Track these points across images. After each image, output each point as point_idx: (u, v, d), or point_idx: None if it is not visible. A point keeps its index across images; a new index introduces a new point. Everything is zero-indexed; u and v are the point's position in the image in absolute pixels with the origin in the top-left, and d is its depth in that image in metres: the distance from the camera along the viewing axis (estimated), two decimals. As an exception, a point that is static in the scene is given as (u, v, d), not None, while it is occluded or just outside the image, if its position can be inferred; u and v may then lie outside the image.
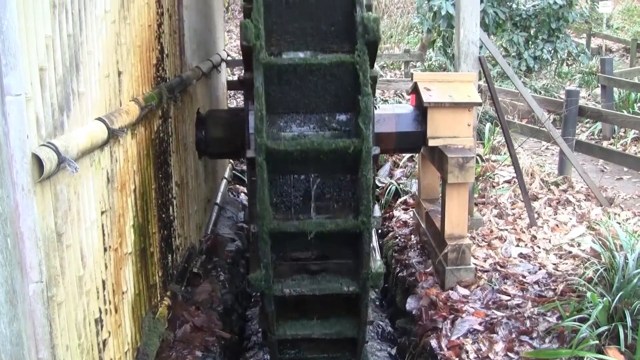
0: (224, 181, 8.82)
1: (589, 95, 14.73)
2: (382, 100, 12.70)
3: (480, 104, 5.82)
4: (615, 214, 7.18)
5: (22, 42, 2.45)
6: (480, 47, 6.73)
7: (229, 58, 10.57)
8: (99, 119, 3.33)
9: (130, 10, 4.11)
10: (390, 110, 5.79)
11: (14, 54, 2.38)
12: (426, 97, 5.51)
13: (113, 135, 3.45)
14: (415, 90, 5.78)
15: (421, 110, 5.64)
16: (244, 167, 9.78)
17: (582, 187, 8.10)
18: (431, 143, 5.61)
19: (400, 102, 12.53)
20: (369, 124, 4.40)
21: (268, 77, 4.47)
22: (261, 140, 4.33)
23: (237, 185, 9.71)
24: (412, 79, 6.00)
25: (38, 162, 2.52)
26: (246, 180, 4.98)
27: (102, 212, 3.41)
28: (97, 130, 3.23)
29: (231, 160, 9.89)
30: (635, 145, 10.68)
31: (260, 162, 4.33)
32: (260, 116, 4.34)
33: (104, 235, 3.43)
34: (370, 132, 4.41)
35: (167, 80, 5.13)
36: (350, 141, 4.46)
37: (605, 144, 10.88)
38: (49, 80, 2.73)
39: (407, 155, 9.53)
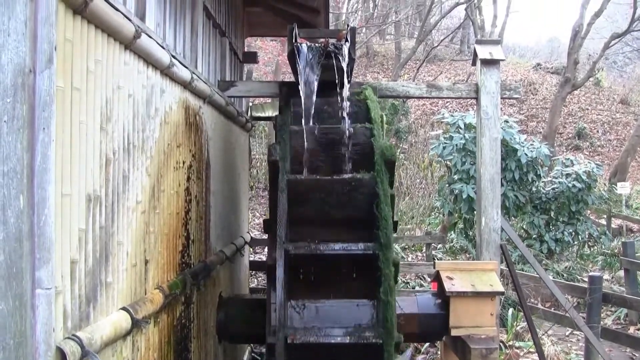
0: (243, 365, 8.67)
1: (612, 277, 14.62)
2: (404, 282, 12.68)
3: (502, 294, 5.81)
4: (647, 407, 6.91)
5: (56, 236, 2.55)
6: (502, 230, 6.82)
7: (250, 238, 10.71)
8: (124, 308, 3.37)
9: (161, 199, 4.27)
10: (411, 302, 5.73)
11: (48, 248, 2.47)
12: (448, 287, 5.51)
13: (136, 325, 3.47)
14: (437, 278, 5.80)
15: (443, 299, 5.63)
16: (263, 350, 9.62)
17: (611, 377, 7.87)
18: (454, 333, 5.54)
19: (422, 285, 12.50)
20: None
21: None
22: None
23: (256, 369, 9.51)
24: (434, 266, 6.04)
25: (61, 355, 2.54)
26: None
27: (120, 405, 3.36)
28: (122, 321, 3.26)
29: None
30: (664, 332, 10.45)
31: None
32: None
33: None
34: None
35: (192, 266, 5.21)
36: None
37: (632, 329, 10.67)
38: (78, 272, 2.81)
39: (429, 341, 9.37)
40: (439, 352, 7.87)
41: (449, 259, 15.05)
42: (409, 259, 16.33)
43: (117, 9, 3.26)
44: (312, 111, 5.21)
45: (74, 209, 2.78)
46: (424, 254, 16.35)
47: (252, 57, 9.67)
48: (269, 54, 26.14)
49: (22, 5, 2.35)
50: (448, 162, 15.00)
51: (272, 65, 26.09)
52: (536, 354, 7.33)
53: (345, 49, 5.37)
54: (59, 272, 2.61)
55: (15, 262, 2.31)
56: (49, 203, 2.47)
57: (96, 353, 2.80)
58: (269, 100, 17.09)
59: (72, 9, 2.79)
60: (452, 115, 14.89)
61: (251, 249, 12.73)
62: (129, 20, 3.47)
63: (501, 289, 5.73)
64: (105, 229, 3.17)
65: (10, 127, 2.31)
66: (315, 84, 5.29)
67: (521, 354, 8.45)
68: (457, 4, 31.99)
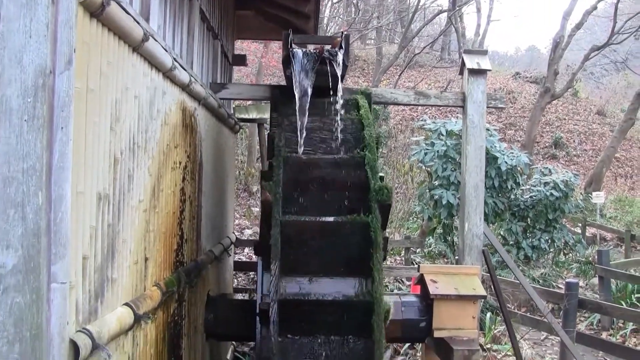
0: (225, 363, 8.76)
1: (586, 284, 14.89)
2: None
3: (485, 297, 5.96)
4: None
5: (71, 232, 2.64)
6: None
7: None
8: (127, 304, 3.47)
9: (159, 199, 4.37)
10: (396, 299, 5.87)
11: (64, 244, 2.56)
12: (432, 289, 5.65)
13: (138, 320, 3.56)
14: (421, 281, 5.93)
15: (426, 301, 5.76)
16: (245, 349, 9.73)
17: (585, 380, 8.06)
18: (437, 334, 5.68)
19: (400, 288, 12.65)
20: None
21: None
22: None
23: (238, 367, 9.58)
24: (418, 269, 6.17)
25: (74, 347, 2.63)
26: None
27: (121, 397, 3.45)
28: (125, 316, 3.36)
29: (233, 342, 9.83)
30: (635, 337, 10.71)
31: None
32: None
33: (121, 420, 3.45)
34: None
35: (185, 264, 5.30)
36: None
37: (604, 334, 10.92)
38: (89, 268, 2.91)
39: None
40: (418, 354, 8.01)
41: (427, 263, 15.21)
42: (388, 263, 16.48)
43: (128, 12, 3.35)
44: (306, 121, 5.27)
45: (86, 207, 2.87)
46: (403, 258, 16.52)
47: (241, 60, 9.76)
48: (252, 56, 26.16)
49: (44, 7, 2.44)
50: (429, 168, 15.14)
51: (254, 66, 26.14)
52: (512, 357, 7.50)
53: (340, 56, 5.49)
54: (73, 267, 2.70)
55: (33, 256, 2.40)
56: (65, 200, 2.56)
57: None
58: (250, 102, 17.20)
59: (90, 13, 2.88)
60: (434, 122, 15.05)
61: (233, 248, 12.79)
62: (138, 23, 3.57)
63: (483, 292, 5.88)
64: (112, 226, 3.27)
65: (30, 125, 2.40)
66: (310, 88, 5.39)
67: (499, 356, 8.61)
68: (440, 12, 32.29)
